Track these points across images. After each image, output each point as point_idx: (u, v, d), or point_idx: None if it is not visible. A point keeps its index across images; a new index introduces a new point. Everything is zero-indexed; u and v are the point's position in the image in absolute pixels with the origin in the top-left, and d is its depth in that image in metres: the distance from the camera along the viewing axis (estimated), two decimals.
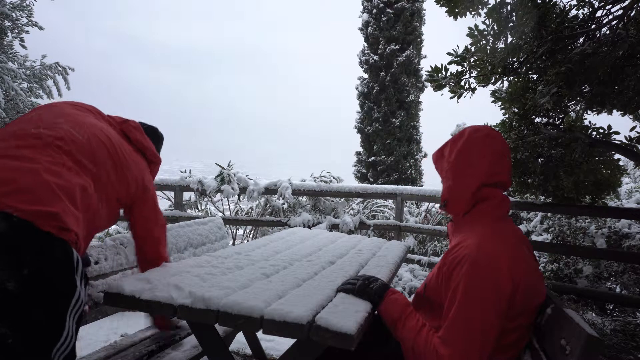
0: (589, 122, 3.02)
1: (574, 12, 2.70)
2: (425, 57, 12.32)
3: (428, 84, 3.00)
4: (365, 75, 12.24)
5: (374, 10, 11.75)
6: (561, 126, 2.99)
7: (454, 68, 2.90)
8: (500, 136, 1.43)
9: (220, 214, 5.63)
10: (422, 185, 11.78)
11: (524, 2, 2.52)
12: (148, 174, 1.72)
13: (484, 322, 1.15)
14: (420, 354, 1.23)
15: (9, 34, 8.18)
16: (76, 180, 1.28)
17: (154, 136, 1.87)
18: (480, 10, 2.73)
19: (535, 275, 1.26)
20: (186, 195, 5.28)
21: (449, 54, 2.90)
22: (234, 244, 5.32)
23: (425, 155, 12.28)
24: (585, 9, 2.67)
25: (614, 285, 3.78)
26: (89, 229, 1.38)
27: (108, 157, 1.44)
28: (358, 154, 12.50)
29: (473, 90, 2.94)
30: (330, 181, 5.19)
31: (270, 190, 4.97)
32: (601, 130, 2.92)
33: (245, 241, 5.89)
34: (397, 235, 4.83)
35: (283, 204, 5.49)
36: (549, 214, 4.25)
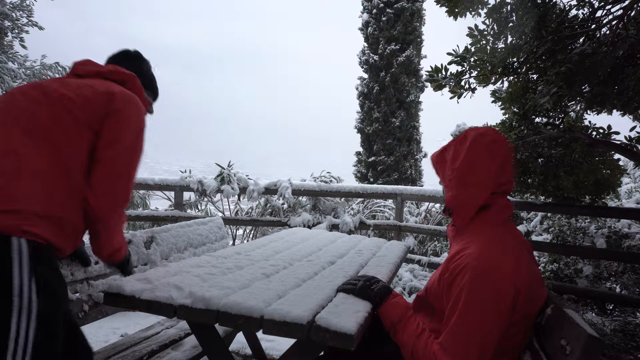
0: (589, 122, 3.02)
1: (574, 12, 2.70)
2: (425, 57, 12.32)
3: (428, 84, 3.00)
4: (365, 75, 12.24)
5: (374, 10, 11.75)
6: (561, 126, 2.99)
7: (454, 68, 2.90)
8: (503, 139, 1.38)
9: (220, 214, 5.63)
10: (422, 185, 11.77)
11: (524, 2, 2.52)
12: (120, 87, 1.43)
13: (484, 331, 1.15)
14: (419, 359, 1.23)
15: (9, 34, 8.18)
16: None
17: (122, 58, 1.63)
18: (480, 10, 2.73)
19: (536, 279, 1.25)
20: (186, 195, 5.28)
21: (449, 54, 2.90)
22: (234, 244, 5.33)
23: (425, 155, 12.28)
24: (585, 9, 2.67)
25: (614, 285, 3.78)
26: (61, 193, 1.21)
27: (41, 96, 1.27)
28: (358, 154, 12.50)
29: (473, 90, 2.93)
30: (330, 181, 5.19)
31: (270, 190, 4.97)
32: (601, 130, 2.92)
33: (245, 241, 5.89)
34: (397, 235, 4.83)
35: (283, 204, 5.49)
36: (549, 214, 4.25)
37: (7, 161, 1.14)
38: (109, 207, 1.32)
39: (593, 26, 2.59)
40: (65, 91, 1.31)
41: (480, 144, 1.35)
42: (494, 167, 1.33)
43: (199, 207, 5.66)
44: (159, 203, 6.32)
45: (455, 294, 1.21)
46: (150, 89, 1.68)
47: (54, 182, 1.21)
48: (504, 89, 3.10)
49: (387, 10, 11.57)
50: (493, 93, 3.16)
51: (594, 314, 3.58)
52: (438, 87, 2.91)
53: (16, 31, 8.22)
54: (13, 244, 1.04)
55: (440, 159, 1.48)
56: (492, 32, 2.69)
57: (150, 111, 1.71)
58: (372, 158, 11.82)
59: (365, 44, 12.18)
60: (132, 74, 1.53)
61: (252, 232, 6.00)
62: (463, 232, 1.39)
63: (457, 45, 2.94)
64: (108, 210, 1.31)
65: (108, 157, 1.30)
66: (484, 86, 2.95)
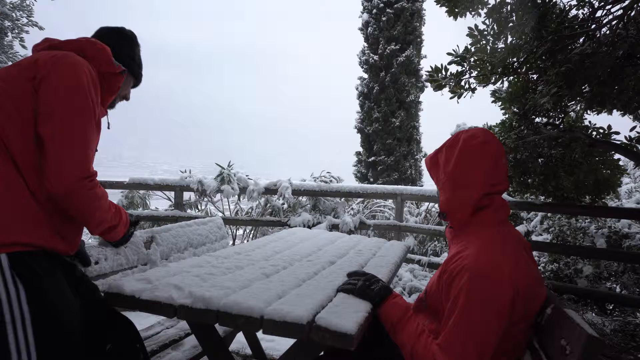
0: (589, 122, 3.02)
1: (574, 12, 2.70)
2: (425, 57, 12.32)
3: (428, 84, 3.00)
4: (365, 75, 12.24)
5: (374, 10, 11.75)
6: (561, 126, 2.99)
7: (454, 68, 2.90)
8: (494, 139, 1.38)
9: (220, 214, 5.63)
10: (422, 185, 11.78)
11: (524, 2, 2.52)
12: (52, 52, 1.30)
13: (483, 331, 1.15)
14: (419, 359, 1.23)
15: (9, 34, 8.18)
16: None
17: (104, 34, 1.53)
18: (480, 10, 2.73)
19: (535, 280, 1.25)
20: (186, 195, 5.28)
21: (449, 54, 2.90)
22: (234, 244, 5.33)
23: (425, 155, 12.27)
24: (585, 9, 2.67)
25: (614, 285, 3.78)
26: (22, 191, 1.17)
27: None
28: (358, 154, 12.50)
29: (473, 90, 2.93)
30: (330, 181, 5.19)
31: (270, 190, 4.97)
32: (601, 130, 2.92)
33: (245, 241, 5.89)
34: (397, 235, 4.83)
35: (283, 204, 5.49)
36: (549, 214, 4.25)
37: None
38: (64, 186, 1.19)
39: (593, 26, 2.59)
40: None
41: (471, 146, 1.35)
42: (486, 169, 1.33)
43: (199, 207, 5.66)
44: (159, 203, 6.32)
45: (454, 295, 1.21)
46: (130, 71, 1.56)
47: (8, 183, 1.16)
48: (504, 89, 3.10)
49: (387, 10, 11.57)
50: (493, 93, 3.16)
51: (594, 314, 3.58)
52: (438, 87, 2.91)
53: (16, 31, 8.22)
54: None
55: (433, 162, 1.49)
56: (492, 32, 2.69)
57: (126, 96, 1.61)
58: (372, 158, 11.81)
59: (365, 44, 12.18)
60: (87, 40, 1.38)
61: (252, 232, 6.00)
62: (461, 233, 1.39)
63: (457, 45, 2.94)
64: (66, 191, 1.19)
65: (47, 132, 1.18)
66: (484, 86, 2.95)
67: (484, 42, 2.74)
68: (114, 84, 1.46)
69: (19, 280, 1.11)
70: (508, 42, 2.71)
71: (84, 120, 1.24)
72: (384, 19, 11.59)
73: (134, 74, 1.60)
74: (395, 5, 11.54)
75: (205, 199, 5.47)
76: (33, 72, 1.22)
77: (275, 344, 2.86)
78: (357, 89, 12.39)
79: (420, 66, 12.07)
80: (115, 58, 1.44)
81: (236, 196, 5.21)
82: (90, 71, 1.31)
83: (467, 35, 2.74)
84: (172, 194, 5.32)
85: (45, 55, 1.27)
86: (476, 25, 2.71)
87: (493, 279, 1.17)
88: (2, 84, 1.22)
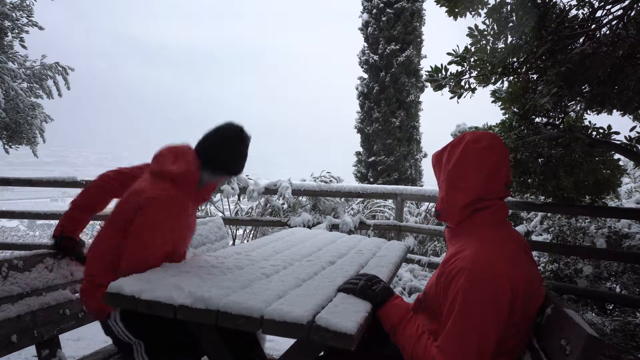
0: (589, 122, 3.02)
1: (574, 12, 2.70)
2: (425, 57, 12.31)
3: (428, 84, 3.00)
4: (365, 75, 12.24)
5: (374, 10, 11.74)
6: (561, 126, 2.99)
7: (454, 68, 2.90)
8: (499, 144, 1.35)
9: (220, 214, 5.63)
10: (422, 185, 11.77)
11: (524, 2, 2.52)
12: (151, 193, 1.66)
13: (482, 332, 1.15)
14: None
15: (9, 34, 8.17)
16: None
17: (203, 139, 1.79)
18: (480, 10, 2.73)
19: (534, 280, 1.25)
20: None
21: (449, 54, 2.90)
22: (234, 244, 5.32)
23: (425, 155, 12.27)
24: (585, 9, 2.67)
25: (614, 285, 3.78)
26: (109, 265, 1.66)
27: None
28: (358, 154, 12.50)
29: (473, 90, 2.93)
30: (330, 181, 5.19)
31: (270, 190, 4.97)
32: (601, 130, 2.92)
33: (245, 241, 5.89)
34: (397, 235, 4.83)
35: (283, 204, 5.48)
36: (549, 214, 4.25)
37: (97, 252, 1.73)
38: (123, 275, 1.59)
39: (593, 26, 2.59)
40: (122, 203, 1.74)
41: (473, 149, 1.34)
42: (483, 175, 1.32)
43: (199, 207, 5.66)
44: None
45: (452, 297, 1.21)
46: (224, 172, 1.81)
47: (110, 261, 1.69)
48: (504, 89, 3.10)
49: (387, 10, 11.57)
50: (493, 93, 3.16)
51: (594, 314, 3.59)
52: (438, 87, 2.91)
53: (16, 31, 8.21)
54: (109, 326, 1.67)
55: (438, 159, 1.48)
56: (492, 32, 2.69)
57: (218, 181, 1.86)
58: (372, 158, 11.81)
59: (365, 44, 12.17)
60: (174, 173, 1.69)
61: (252, 232, 5.99)
62: (459, 234, 1.39)
63: (457, 45, 2.94)
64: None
65: (126, 247, 1.62)
66: (484, 86, 2.95)
67: (484, 42, 2.74)
68: (207, 191, 1.84)
69: (130, 324, 1.64)
70: (508, 42, 2.71)
71: (151, 247, 1.62)
72: (384, 19, 11.58)
73: (229, 173, 1.85)
74: (395, 5, 11.54)
75: None
76: (133, 206, 1.64)
77: (275, 344, 2.86)
78: (357, 89, 12.38)
79: (420, 66, 12.06)
80: (210, 162, 1.75)
81: (236, 196, 5.21)
82: (173, 205, 1.65)
83: (467, 35, 2.74)
84: None
85: (146, 195, 1.64)
86: (476, 25, 2.71)
87: (490, 280, 1.17)
88: (123, 206, 1.69)
